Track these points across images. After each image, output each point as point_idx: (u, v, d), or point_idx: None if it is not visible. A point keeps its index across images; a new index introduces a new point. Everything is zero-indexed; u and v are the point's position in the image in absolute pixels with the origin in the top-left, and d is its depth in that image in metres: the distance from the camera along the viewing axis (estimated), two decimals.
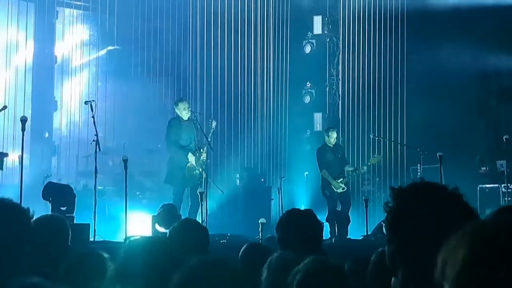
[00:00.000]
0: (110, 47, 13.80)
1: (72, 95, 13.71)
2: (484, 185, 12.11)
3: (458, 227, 1.76)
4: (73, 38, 13.83)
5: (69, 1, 13.53)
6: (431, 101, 13.93)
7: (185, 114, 10.56)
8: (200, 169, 10.48)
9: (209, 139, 10.68)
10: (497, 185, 11.77)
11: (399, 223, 1.91)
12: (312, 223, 3.93)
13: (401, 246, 1.90)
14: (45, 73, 13.36)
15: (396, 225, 1.91)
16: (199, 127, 10.69)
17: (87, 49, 13.96)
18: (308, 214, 4.01)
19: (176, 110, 10.69)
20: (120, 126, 13.48)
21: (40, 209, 9.65)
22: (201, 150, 10.57)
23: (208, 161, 10.82)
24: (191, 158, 10.48)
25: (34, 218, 4.49)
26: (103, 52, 13.90)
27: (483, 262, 1.20)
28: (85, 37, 13.91)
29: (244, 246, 4.27)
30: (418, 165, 11.81)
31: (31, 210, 3.59)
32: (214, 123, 10.95)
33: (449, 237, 1.72)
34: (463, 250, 1.23)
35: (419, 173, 11.69)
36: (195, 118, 10.76)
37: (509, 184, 11.18)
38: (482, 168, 12.94)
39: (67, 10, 13.78)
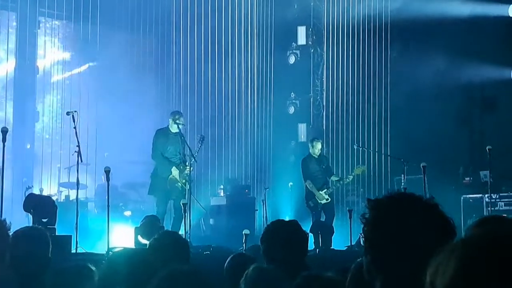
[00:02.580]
0: (89, 64, 13.72)
1: (54, 105, 13.61)
2: (467, 196, 12.13)
3: (433, 236, 1.85)
4: (56, 47, 13.73)
5: (51, 11, 13.44)
6: (414, 111, 13.97)
7: (175, 128, 10.48)
8: (183, 181, 10.40)
9: (196, 154, 10.56)
10: (480, 195, 11.78)
11: (374, 234, 1.92)
12: (297, 234, 3.91)
13: (377, 256, 1.91)
14: (26, 83, 13.24)
15: (372, 236, 1.93)
16: (183, 138, 10.61)
17: (70, 57, 13.86)
18: (293, 225, 3.99)
19: (170, 120, 10.56)
20: (103, 137, 13.38)
21: (21, 220, 9.57)
22: (186, 164, 10.49)
23: (192, 171, 10.73)
24: (175, 172, 10.40)
25: (13, 230, 4.44)
26: (85, 67, 13.82)
27: (473, 273, 1.21)
28: (68, 45, 13.82)
29: (230, 257, 4.24)
30: (402, 175, 11.81)
31: (7, 222, 3.53)
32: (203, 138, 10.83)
33: (426, 247, 1.76)
34: (454, 261, 1.24)
35: (403, 184, 11.68)
36: (178, 130, 10.68)
37: (492, 194, 11.20)
38: (466, 179, 12.98)
39: (49, 20, 13.69)
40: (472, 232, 2.97)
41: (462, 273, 1.22)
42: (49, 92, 13.77)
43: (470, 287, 1.21)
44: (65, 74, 13.84)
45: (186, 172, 10.45)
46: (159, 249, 3.94)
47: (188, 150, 10.46)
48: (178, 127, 10.47)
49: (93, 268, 3.52)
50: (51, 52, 13.77)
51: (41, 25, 13.54)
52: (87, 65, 13.85)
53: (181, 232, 9.42)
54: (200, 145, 10.59)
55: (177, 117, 10.51)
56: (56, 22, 13.77)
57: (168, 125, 10.59)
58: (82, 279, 3.50)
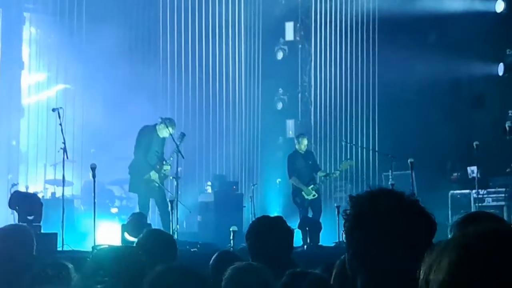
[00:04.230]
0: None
1: (40, 102, 13.51)
2: (455, 191, 12.15)
3: (413, 232, 1.90)
4: (41, 44, 13.63)
5: (36, 7, 13.33)
6: (402, 107, 13.98)
7: (164, 133, 10.36)
8: (159, 180, 10.33)
9: (176, 151, 10.43)
10: (468, 191, 11.80)
11: (355, 230, 1.95)
12: (282, 230, 3.88)
13: (358, 252, 1.94)
14: (11, 79, 13.13)
15: (352, 231, 1.96)
16: (169, 136, 10.46)
17: (55, 55, 13.75)
18: (278, 221, 3.96)
19: (162, 124, 10.40)
20: (89, 133, 13.29)
21: (7, 218, 9.49)
22: (163, 163, 10.38)
23: (180, 168, 10.65)
24: (154, 176, 10.30)
25: None
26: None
27: (467, 269, 1.21)
28: (53, 41, 13.71)
29: (215, 254, 4.23)
30: (390, 171, 11.80)
31: None
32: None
33: (406, 242, 1.87)
34: (448, 258, 1.24)
35: (390, 180, 11.67)
36: (164, 136, 10.53)
37: (480, 190, 11.21)
38: (454, 174, 13.00)
39: (34, 16, 13.58)
40: (458, 228, 2.97)
41: (456, 270, 1.22)
42: (34, 87, 13.66)
43: (464, 283, 1.20)
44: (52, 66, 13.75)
45: (163, 171, 10.37)
46: (146, 247, 3.91)
47: (176, 146, 10.36)
48: (165, 134, 10.35)
49: (70, 266, 3.50)
50: (36, 49, 13.67)
51: (26, 20, 13.44)
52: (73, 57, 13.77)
53: (171, 228, 9.39)
54: (179, 142, 10.40)
55: (170, 128, 10.32)
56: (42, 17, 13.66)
57: (155, 125, 10.44)
58: (59, 276, 3.47)
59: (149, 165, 10.30)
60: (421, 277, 1.29)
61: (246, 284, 2.77)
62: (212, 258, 4.17)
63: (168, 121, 10.41)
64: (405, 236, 1.89)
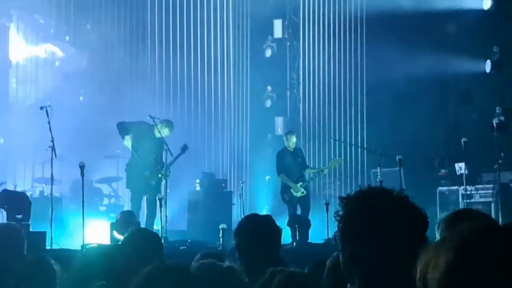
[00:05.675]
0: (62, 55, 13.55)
1: (28, 99, 13.45)
2: (443, 188, 12.21)
3: (406, 228, 1.92)
4: (28, 40, 13.57)
5: (22, 4, 13.27)
6: (390, 104, 14.03)
7: (159, 134, 10.30)
8: (155, 179, 10.30)
9: (174, 161, 10.36)
10: (456, 187, 11.87)
11: (350, 230, 1.96)
12: (270, 229, 3.89)
13: (353, 253, 1.94)
14: None
15: (346, 232, 1.97)
16: (165, 144, 10.37)
17: (44, 51, 13.70)
18: (266, 220, 3.97)
19: (159, 125, 10.34)
20: (79, 131, 13.25)
21: None
22: (163, 166, 10.34)
23: (170, 166, 10.62)
24: (127, 142, 10.19)
25: None
26: (59, 54, 13.67)
27: (465, 266, 1.22)
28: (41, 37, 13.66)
29: (197, 256, 4.21)
30: (378, 168, 11.84)
31: None
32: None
33: (400, 238, 1.89)
34: (447, 254, 1.25)
35: (379, 176, 11.72)
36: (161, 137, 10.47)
37: (468, 187, 11.28)
38: (441, 171, 13.06)
39: (21, 13, 13.52)
40: (445, 225, 2.99)
41: (454, 267, 1.23)
42: (22, 85, 13.60)
43: (462, 280, 1.21)
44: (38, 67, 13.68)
45: (159, 175, 10.32)
46: (131, 246, 3.91)
47: (165, 145, 10.30)
48: (161, 135, 10.31)
49: (52, 261, 3.50)
50: (24, 45, 13.60)
51: (13, 18, 13.37)
52: (61, 54, 13.71)
53: (157, 227, 9.37)
54: (180, 152, 10.37)
55: (167, 129, 10.27)
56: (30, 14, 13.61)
57: (153, 125, 10.38)
58: (44, 273, 3.47)
59: (124, 128, 10.22)
60: (418, 275, 1.30)
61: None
62: (194, 259, 4.16)
63: (168, 123, 10.40)
64: (399, 233, 1.90)
